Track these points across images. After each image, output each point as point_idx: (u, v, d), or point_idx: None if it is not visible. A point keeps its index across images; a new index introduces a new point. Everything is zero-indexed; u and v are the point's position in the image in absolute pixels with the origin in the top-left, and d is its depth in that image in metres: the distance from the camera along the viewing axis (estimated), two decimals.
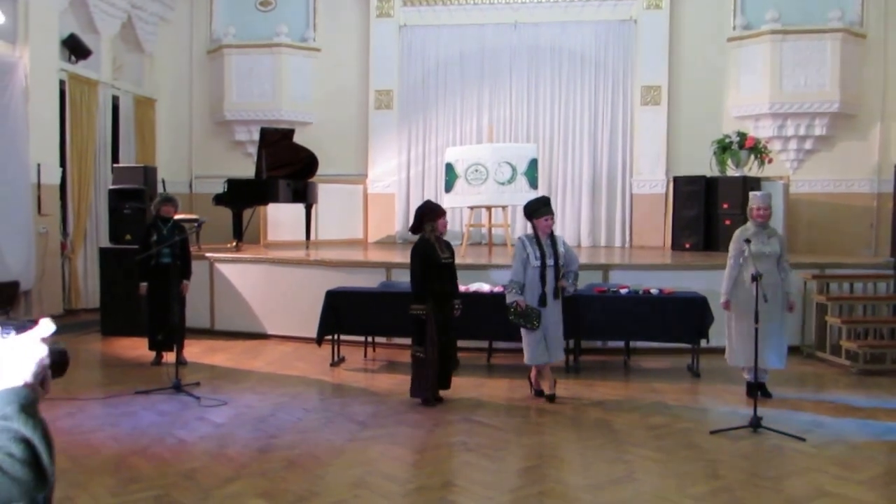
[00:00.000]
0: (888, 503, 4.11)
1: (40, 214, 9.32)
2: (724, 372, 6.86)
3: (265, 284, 8.96)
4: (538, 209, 6.14)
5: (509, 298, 6.05)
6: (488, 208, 10.32)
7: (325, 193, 11.38)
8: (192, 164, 12.80)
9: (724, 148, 10.56)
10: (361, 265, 8.80)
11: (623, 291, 7.39)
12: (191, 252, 7.69)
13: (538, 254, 6.01)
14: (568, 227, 11.82)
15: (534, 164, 10.06)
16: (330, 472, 4.49)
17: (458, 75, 12.27)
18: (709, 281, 7.57)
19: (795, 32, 10.98)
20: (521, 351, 6.29)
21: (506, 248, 10.22)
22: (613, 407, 5.98)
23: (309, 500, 4.03)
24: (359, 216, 12.35)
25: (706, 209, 10.52)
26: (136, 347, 7.93)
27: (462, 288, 6.74)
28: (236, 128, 12.48)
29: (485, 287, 7.54)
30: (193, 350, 7.83)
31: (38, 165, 9.23)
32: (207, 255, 9.16)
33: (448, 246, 6.19)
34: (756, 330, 5.41)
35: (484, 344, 7.86)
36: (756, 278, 5.39)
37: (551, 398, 6.07)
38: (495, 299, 6.96)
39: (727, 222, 9.96)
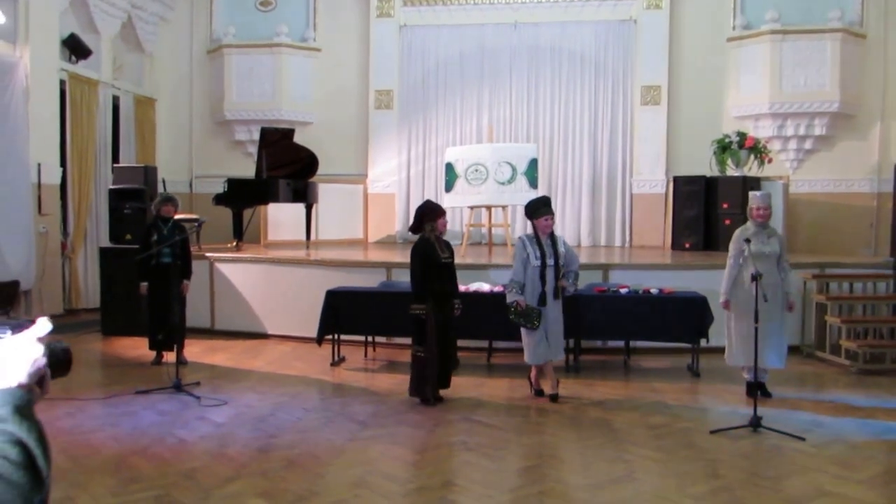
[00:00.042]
0: (888, 502, 4.11)
1: (40, 214, 9.32)
2: (723, 372, 6.86)
3: (265, 284, 8.96)
4: (538, 209, 6.15)
5: (510, 298, 6.06)
6: (488, 208, 10.32)
7: (326, 193, 11.38)
8: (193, 164, 12.81)
9: (723, 148, 10.57)
10: (361, 265, 8.80)
11: (623, 291, 7.39)
12: (191, 252, 7.70)
13: (538, 253, 6.02)
14: (568, 226, 11.82)
15: (534, 163, 10.07)
16: (330, 471, 4.49)
17: (458, 75, 12.28)
18: (709, 281, 7.57)
19: (795, 32, 10.99)
20: (521, 350, 6.30)
21: (506, 247, 10.22)
22: (613, 406, 5.98)
23: (309, 499, 4.03)
24: (359, 216, 12.35)
25: (706, 209, 10.53)
26: (137, 347, 7.93)
27: (462, 288, 6.75)
28: (236, 127, 12.48)
29: (485, 287, 7.55)
30: (194, 350, 7.83)
31: (39, 165, 9.24)
32: (208, 254, 9.16)
33: (448, 246, 6.20)
34: (756, 329, 5.42)
35: (484, 343, 7.86)
36: (756, 278, 5.39)
37: (554, 398, 6.07)
38: (495, 299, 6.97)
39: (727, 222, 9.97)
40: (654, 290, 7.41)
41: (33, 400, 1.14)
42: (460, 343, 6.55)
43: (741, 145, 10.45)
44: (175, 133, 12.67)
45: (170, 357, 6.88)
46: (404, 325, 6.24)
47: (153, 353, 7.44)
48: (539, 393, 6.25)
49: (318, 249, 10.47)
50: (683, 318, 7.10)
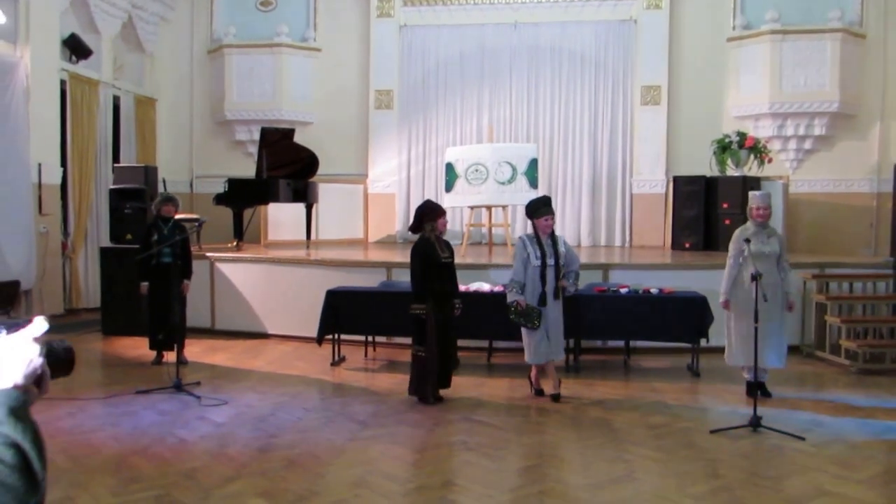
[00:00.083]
0: (887, 502, 4.11)
1: (41, 214, 9.33)
2: (723, 371, 6.87)
3: (266, 284, 8.97)
4: (538, 209, 6.16)
5: (510, 298, 6.06)
6: (488, 208, 10.32)
7: (326, 193, 11.39)
8: (193, 164, 12.81)
9: (723, 148, 10.57)
10: (362, 265, 8.81)
11: (623, 291, 7.39)
12: (191, 252, 7.70)
13: (538, 253, 6.02)
14: (568, 226, 11.83)
15: (534, 163, 10.07)
16: (330, 471, 4.49)
17: (458, 75, 12.28)
18: (708, 280, 7.57)
19: (795, 32, 10.99)
20: (521, 350, 6.31)
21: (506, 247, 10.23)
22: (613, 406, 5.98)
23: (309, 499, 4.04)
24: (359, 216, 12.35)
25: (706, 209, 10.53)
26: (137, 347, 7.94)
27: (462, 287, 6.75)
28: (237, 127, 12.49)
29: (485, 286, 7.55)
30: (194, 349, 7.84)
31: (39, 165, 9.25)
32: (208, 254, 9.17)
33: (448, 245, 6.20)
34: (756, 329, 5.42)
35: (484, 343, 7.87)
36: (756, 278, 5.40)
37: (556, 398, 6.08)
38: (495, 299, 6.97)
39: (727, 222, 9.97)
40: (654, 290, 7.41)
41: (29, 401, 1.13)
42: (460, 343, 6.55)
43: (741, 145, 10.46)
44: (175, 133, 12.67)
45: (170, 357, 6.88)
46: (404, 324, 6.24)
47: (153, 353, 7.44)
48: (539, 392, 6.26)
49: (318, 249, 10.47)
50: (683, 318, 7.11)
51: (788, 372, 6.65)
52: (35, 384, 1.15)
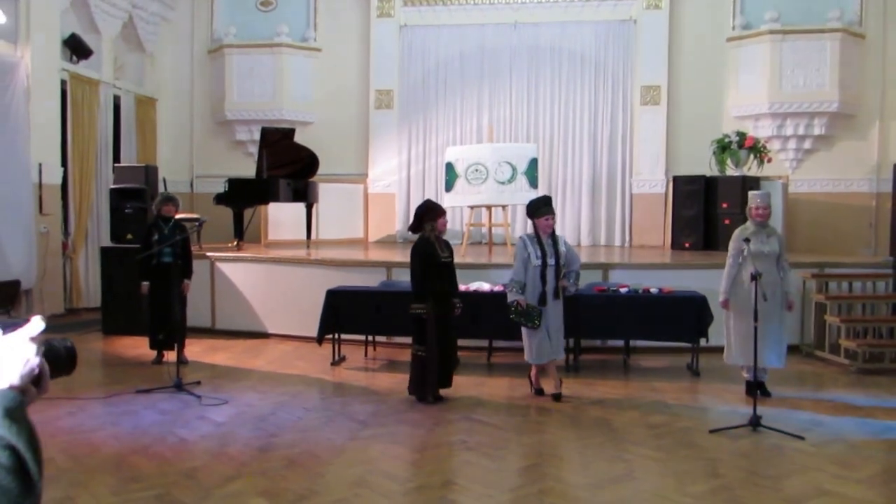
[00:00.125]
0: (887, 501, 4.12)
1: (41, 214, 9.34)
2: (723, 371, 6.87)
3: (266, 284, 8.98)
4: (539, 208, 6.16)
5: (510, 297, 6.07)
6: (488, 208, 10.33)
7: (326, 193, 11.39)
8: (193, 164, 12.82)
9: (723, 147, 10.58)
10: (362, 264, 8.81)
11: (623, 290, 7.40)
12: (192, 251, 7.70)
13: (539, 253, 6.03)
14: (568, 226, 11.84)
15: (534, 163, 10.08)
16: (330, 470, 4.50)
17: (458, 75, 12.29)
18: (708, 280, 7.57)
19: (795, 32, 11.00)
20: (521, 350, 6.32)
21: (506, 247, 10.24)
22: (613, 406, 5.99)
23: (309, 498, 4.04)
24: (359, 215, 12.36)
25: (706, 209, 10.54)
26: (137, 346, 7.94)
27: (462, 287, 6.76)
28: (237, 127, 12.50)
29: (485, 286, 7.56)
30: (194, 349, 7.84)
31: (40, 165, 9.25)
32: (208, 254, 9.17)
33: (448, 245, 6.21)
34: (755, 329, 5.43)
35: (484, 343, 7.87)
36: (755, 277, 5.40)
37: (557, 397, 6.08)
38: (495, 298, 6.98)
39: (726, 222, 9.98)
40: (653, 290, 7.42)
41: (26, 401, 1.11)
42: (460, 342, 6.56)
43: (741, 145, 10.47)
44: (176, 133, 12.68)
45: (170, 356, 6.90)
46: (404, 324, 6.25)
47: (154, 353, 7.45)
48: (539, 392, 6.26)
49: (318, 249, 10.48)
50: (683, 318, 7.11)
51: (788, 371, 6.66)
52: (34, 384, 1.14)
